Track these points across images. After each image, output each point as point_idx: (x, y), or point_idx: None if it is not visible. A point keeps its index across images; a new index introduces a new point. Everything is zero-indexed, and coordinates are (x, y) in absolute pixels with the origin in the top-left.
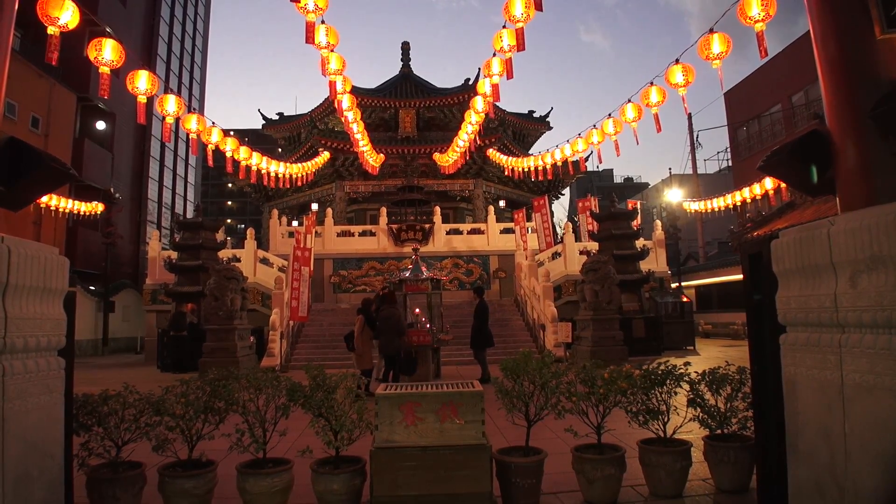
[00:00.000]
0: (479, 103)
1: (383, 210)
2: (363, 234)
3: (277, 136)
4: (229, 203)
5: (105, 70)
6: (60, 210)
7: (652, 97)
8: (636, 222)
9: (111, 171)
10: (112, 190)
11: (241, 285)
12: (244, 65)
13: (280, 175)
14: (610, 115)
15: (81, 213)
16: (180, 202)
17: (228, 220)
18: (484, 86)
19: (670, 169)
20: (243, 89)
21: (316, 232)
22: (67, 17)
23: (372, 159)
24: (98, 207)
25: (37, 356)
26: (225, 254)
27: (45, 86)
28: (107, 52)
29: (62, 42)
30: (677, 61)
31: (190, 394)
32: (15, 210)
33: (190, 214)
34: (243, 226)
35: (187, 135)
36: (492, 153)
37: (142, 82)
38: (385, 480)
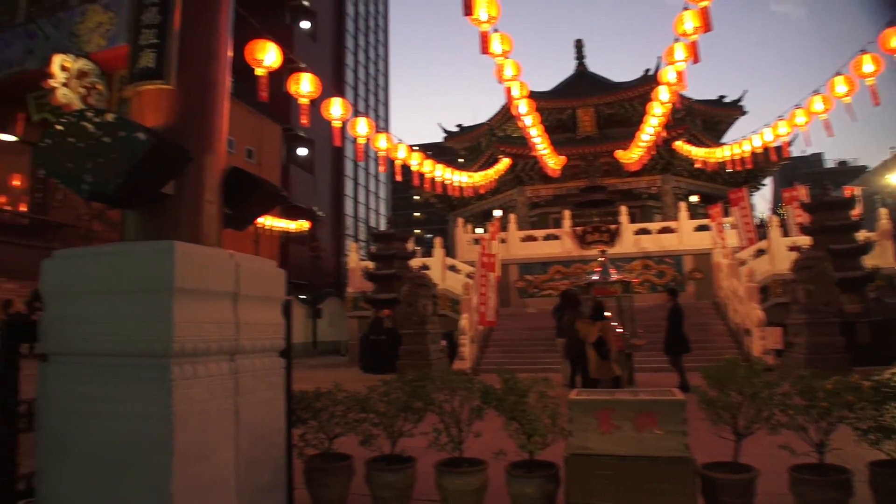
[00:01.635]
0: (662, 93)
1: (566, 213)
2: (547, 237)
3: (458, 147)
4: (416, 214)
5: (304, 101)
6: (274, 229)
7: (865, 67)
8: (856, 211)
9: (314, 192)
10: (315, 209)
11: (432, 292)
12: (422, 82)
13: (463, 185)
14: (817, 91)
15: (291, 230)
16: (373, 216)
17: (416, 230)
18: (667, 74)
19: (893, 148)
20: (423, 106)
21: (501, 238)
22: (272, 58)
23: (552, 162)
24: (304, 225)
25: (262, 356)
26: (416, 262)
27: (256, 121)
28: (304, 85)
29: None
30: (893, 23)
31: (391, 393)
32: (240, 230)
33: (383, 227)
34: (430, 235)
35: (376, 153)
36: (679, 145)
37: (336, 109)
38: (580, 488)
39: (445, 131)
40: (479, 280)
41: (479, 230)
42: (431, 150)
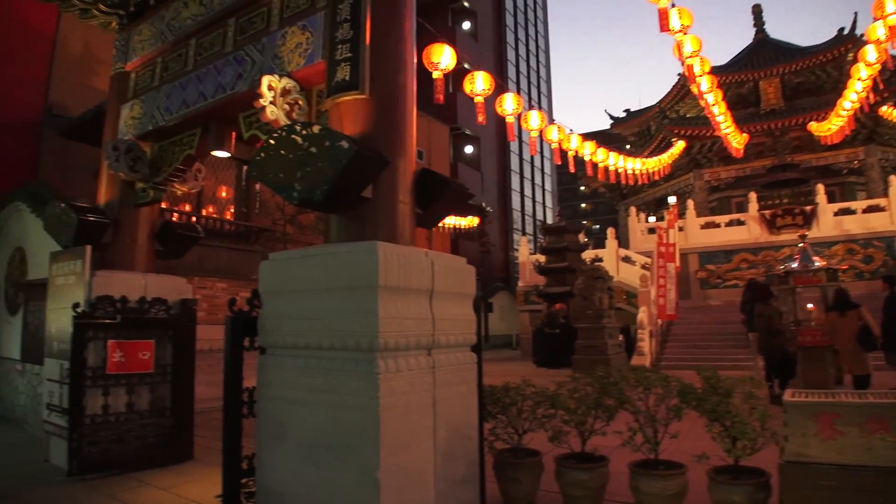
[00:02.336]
0: (869, 53)
1: (752, 195)
2: (730, 223)
3: (626, 132)
4: (583, 205)
5: (479, 99)
6: (446, 225)
7: None
8: None
9: (481, 188)
10: (483, 204)
11: (608, 284)
12: (583, 72)
13: (636, 171)
14: None
15: (461, 226)
16: (540, 209)
17: (584, 222)
18: (875, 31)
19: None
20: (585, 96)
21: (678, 226)
22: (447, 61)
23: (735, 141)
24: (474, 221)
25: (456, 351)
26: (588, 255)
27: (426, 123)
28: (479, 84)
29: (432, 80)
30: None
31: (581, 390)
32: (429, 228)
33: (549, 220)
34: (598, 226)
35: (548, 145)
36: (886, 111)
37: (509, 104)
38: (796, 499)
39: (612, 118)
40: (657, 271)
41: (653, 218)
42: (597, 139)
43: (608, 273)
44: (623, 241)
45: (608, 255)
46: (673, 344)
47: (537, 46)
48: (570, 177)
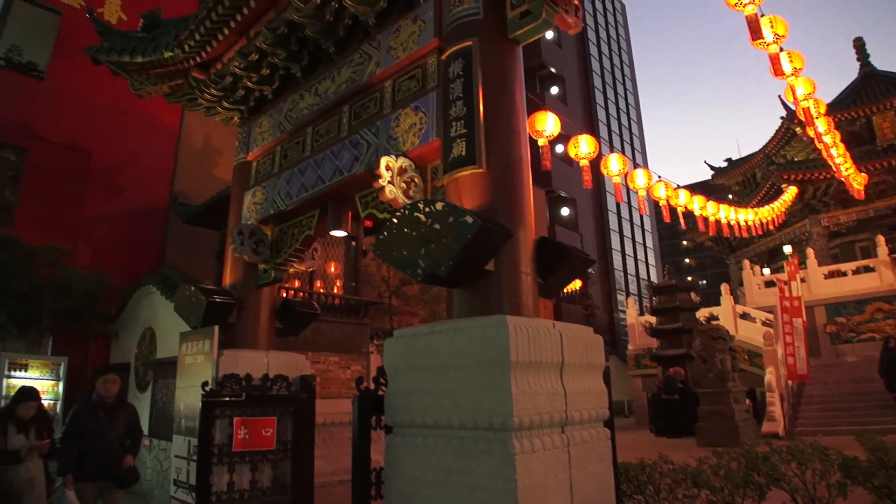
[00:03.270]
0: None
1: (879, 238)
2: (858, 271)
3: (729, 182)
4: (687, 260)
5: (584, 163)
6: None
7: None
8: None
9: (581, 249)
10: None
11: (729, 345)
12: (674, 127)
13: (749, 222)
14: None
15: (564, 290)
16: (642, 267)
17: (689, 278)
18: None
19: None
20: (678, 149)
21: (800, 277)
22: (551, 127)
23: (856, 182)
24: (577, 283)
25: (589, 427)
26: (702, 313)
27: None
28: (583, 147)
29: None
30: None
31: (725, 465)
32: (551, 298)
33: (653, 278)
34: (704, 282)
35: (639, 201)
36: None
37: (614, 165)
38: None
39: (712, 168)
40: (783, 328)
41: (767, 271)
42: (698, 191)
43: (728, 332)
44: (736, 297)
45: (724, 313)
46: (808, 407)
47: (627, 104)
48: (671, 232)
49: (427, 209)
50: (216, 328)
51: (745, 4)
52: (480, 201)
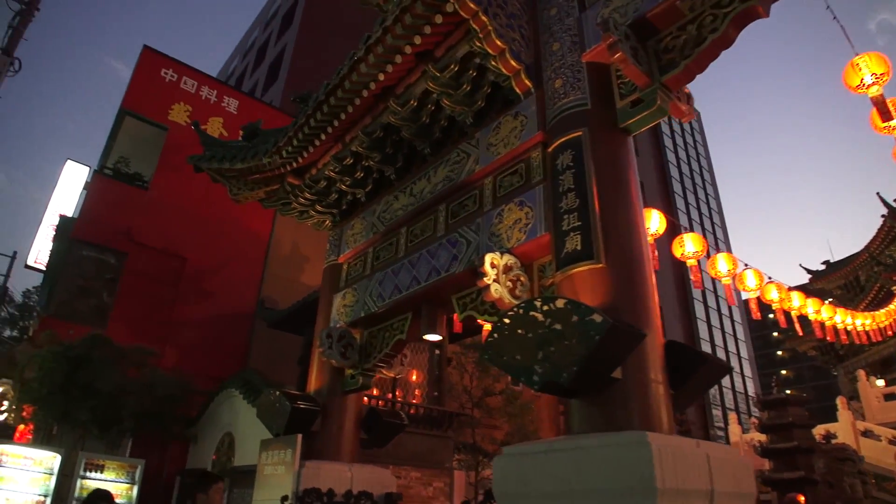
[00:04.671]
0: None
1: None
2: None
3: (830, 286)
4: (783, 372)
5: (692, 262)
6: None
7: None
8: None
9: None
10: None
11: (859, 467)
12: (762, 227)
13: (864, 327)
14: None
15: None
16: (738, 380)
17: (787, 391)
18: None
19: None
20: (766, 252)
21: None
22: (656, 224)
23: None
24: None
25: None
26: (817, 431)
27: None
28: (689, 246)
29: None
30: None
31: None
32: (681, 412)
33: (750, 391)
34: (804, 394)
35: (729, 308)
36: None
37: (722, 265)
38: None
39: (809, 272)
40: None
41: (881, 382)
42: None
43: (856, 453)
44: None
45: (842, 430)
46: None
47: (709, 209)
48: (763, 342)
49: (546, 307)
50: (299, 437)
51: (869, 86)
52: (600, 300)
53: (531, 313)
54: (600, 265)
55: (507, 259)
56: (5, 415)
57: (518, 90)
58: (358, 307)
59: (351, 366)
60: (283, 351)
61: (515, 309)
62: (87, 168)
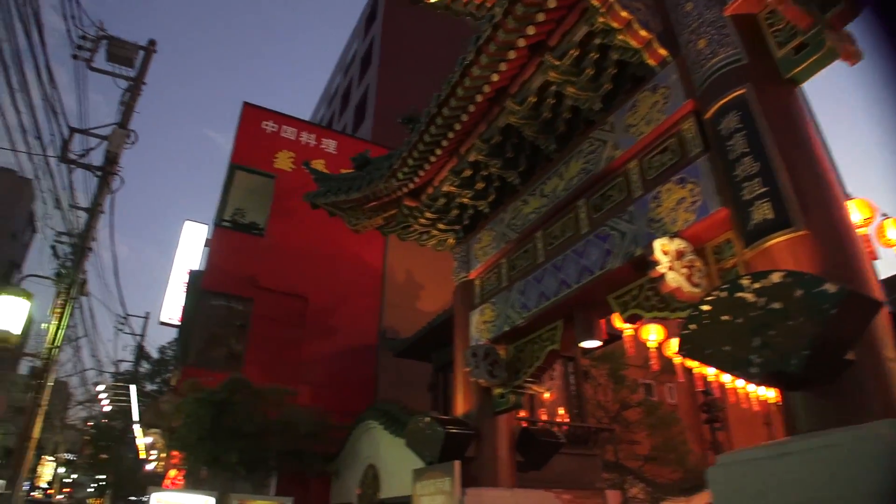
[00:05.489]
0: None
1: None
2: None
3: None
4: None
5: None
6: None
7: None
8: None
9: None
10: None
11: None
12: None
13: None
14: None
15: None
16: None
17: None
18: None
19: None
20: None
21: None
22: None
23: None
24: None
25: None
26: None
27: None
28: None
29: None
30: None
31: None
32: None
33: None
34: None
35: None
36: None
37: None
38: None
39: None
40: None
41: None
42: None
43: None
44: None
45: None
46: None
47: None
48: None
49: (757, 285)
50: (457, 463)
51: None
52: (810, 271)
53: (738, 294)
54: (802, 232)
55: (678, 244)
56: (154, 463)
57: (652, 62)
58: (500, 322)
59: (500, 384)
60: (410, 379)
61: (716, 293)
62: (204, 225)
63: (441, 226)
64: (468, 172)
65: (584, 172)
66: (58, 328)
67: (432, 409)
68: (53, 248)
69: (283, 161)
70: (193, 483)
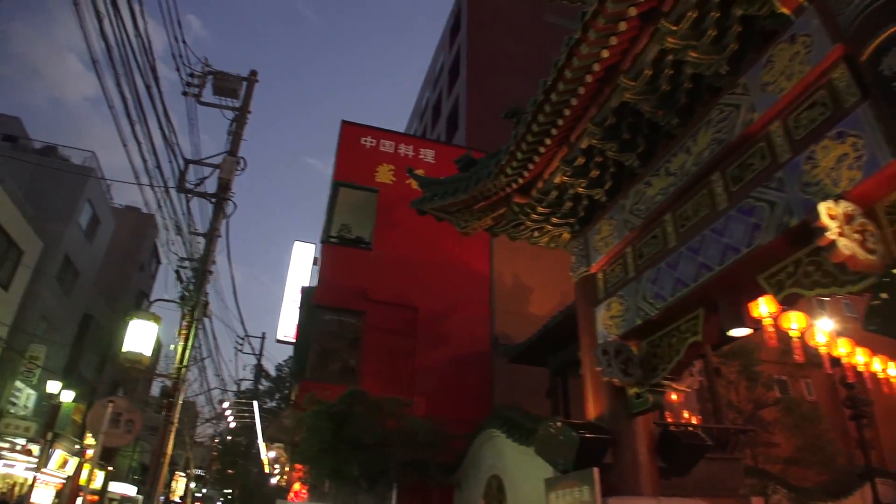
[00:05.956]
0: None
1: None
2: None
3: None
4: None
5: None
6: None
7: None
8: None
9: None
10: None
11: None
12: None
13: None
14: None
15: None
16: None
17: None
18: None
19: None
20: None
21: None
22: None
23: None
24: None
25: None
26: None
27: None
28: None
29: None
30: None
31: None
32: None
33: None
34: None
35: None
36: None
37: None
38: None
39: None
40: None
41: None
42: None
43: None
44: None
45: None
46: None
47: None
48: None
49: None
50: (596, 471)
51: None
52: None
53: None
54: None
55: (845, 206)
56: (278, 477)
57: (785, 10)
58: (630, 315)
59: (635, 383)
60: (526, 385)
61: None
62: (312, 245)
63: (555, 220)
64: (581, 161)
65: (715, 143)
66: (184, 348)
67: (552, 414)
68: (177, 272)
69: (384, 174)
70: (317, 496)
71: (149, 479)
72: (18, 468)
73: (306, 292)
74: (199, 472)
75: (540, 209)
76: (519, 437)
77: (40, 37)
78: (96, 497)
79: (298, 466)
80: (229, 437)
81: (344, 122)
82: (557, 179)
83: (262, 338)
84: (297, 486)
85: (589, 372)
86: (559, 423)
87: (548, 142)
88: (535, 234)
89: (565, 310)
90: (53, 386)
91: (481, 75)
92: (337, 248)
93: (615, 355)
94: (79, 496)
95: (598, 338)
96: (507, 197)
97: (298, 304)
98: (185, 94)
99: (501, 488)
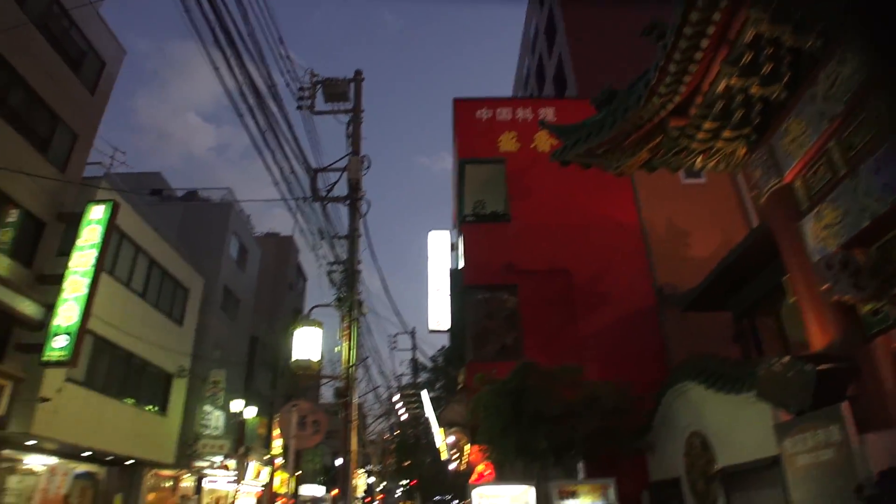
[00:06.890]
0: None
1: None
2: None
3: None
4: None
5: None
6: None
7: None
8: None
9: None
10: None
11: None
12: None
13: None
14: None
15: None
16: None
17: None
18: None
19: None
20: None
21: None
22: None
23: None
24: None
25: None
26: None
27: None
28: None
29: None
30: None
31: None
32: None
33: None
34: None
35: None
36: None
37: None
38: None
39: None
40: None
41: None
42: None
43: None
44: None
45: None
46: None
47: None
48: None
49: None
50: (846, 405)
51: None
52: None
53: None
54: None
55: None
56: (457, 462)
57: None
58: (851, 219)
59: (871, 297)
60: (702, 333)
61: None
62: (446, 231)
63: (726, 134)
64: (749, 56)
65: None
66: (349, 348)
67: (744, 359)
68: (329, 274)
69: (507, 143)
70: (503, 475)
71: (334, 476)
72: (221, 483)
73: (455, 275)
74: (373, 467)
75: (706, 125)
76: (723, 386)
77: (160, 103)
78: (293, 500)
79: (477, 448)
80: (397, 431)
81: (456, 100)
82: (721, 87)
83: (412, 334)
84: (480, 467)
85: (806, 296)
86: (789, 358)
87: (704, 44)
88: (701, 157)
89: (746, 239)
90: (237, 405)
91: (580, 27)
92: (476, 226)
93: (842, 268)
94: (277, 501)
95: (812, 254)
96: (662, 122)
97: (448, 289)
98: (299, 108)
99: (707, 445)
